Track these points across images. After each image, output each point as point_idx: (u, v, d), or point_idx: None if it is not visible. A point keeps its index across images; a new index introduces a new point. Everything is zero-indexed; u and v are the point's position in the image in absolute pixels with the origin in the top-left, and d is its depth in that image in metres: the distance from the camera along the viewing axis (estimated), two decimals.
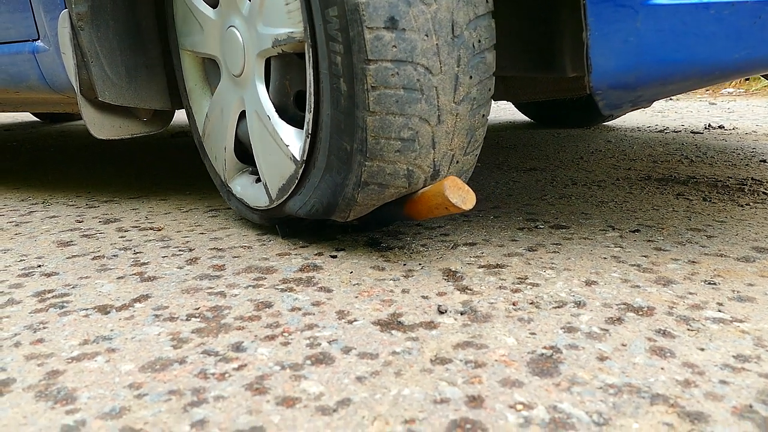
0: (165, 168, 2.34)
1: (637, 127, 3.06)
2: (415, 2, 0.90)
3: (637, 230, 1.28)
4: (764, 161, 2.10)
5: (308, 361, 0.77)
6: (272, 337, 0.84)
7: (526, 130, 3.07)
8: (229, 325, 0.88)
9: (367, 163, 0.99)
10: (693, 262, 1.09)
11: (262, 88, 1.19)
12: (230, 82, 1.29)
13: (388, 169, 1.00)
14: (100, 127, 1.50)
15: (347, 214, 1.09)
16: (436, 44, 0.93)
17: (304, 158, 1.10)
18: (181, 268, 1.15)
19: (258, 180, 1.32)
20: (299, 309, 0.93)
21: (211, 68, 1.45)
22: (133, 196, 1.82)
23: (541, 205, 1.53)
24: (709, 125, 3.03)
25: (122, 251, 1.26)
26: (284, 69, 1.17)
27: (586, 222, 1.36)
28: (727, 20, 0.98)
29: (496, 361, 0.76)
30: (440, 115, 0.98)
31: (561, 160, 2.20)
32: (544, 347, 0.79)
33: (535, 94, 2.08)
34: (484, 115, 1.04)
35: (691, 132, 2.84)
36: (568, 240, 1.23)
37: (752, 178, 1.83)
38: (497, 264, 1.10)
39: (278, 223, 1.29)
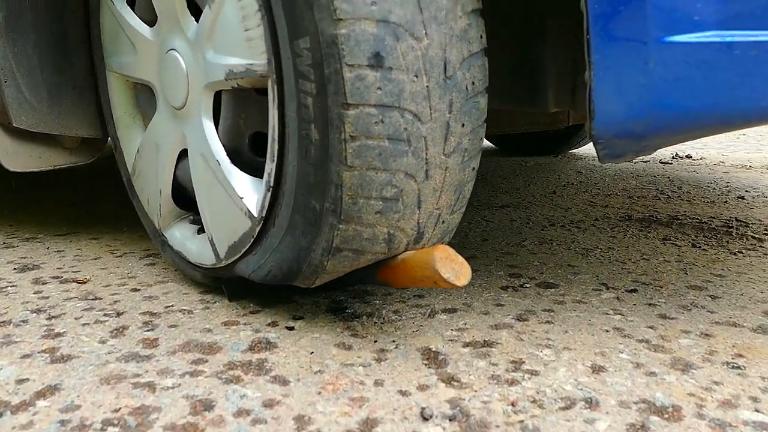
0: (102, 194, 2.11)
1: None
2: (404, 36, 0.74)
3: (634, 290, 1.14)
4: (742, 198, 2.01)
5: None
6: None
7: (491, 158, 2.94)
8: None
9: (341, 226, 0.82)
10: (706, 335, 0.95)
11: (209, 127, 1.01)
12: (169, 115, 1.10)
13: (365, 233, 0.83)
14: (15, 157, 1.28)
15: (312, 282, 0.92)
16: (427, 86, 0.77)
17: (263, 215, 0.91)
18: (104, 342, 0.94)
19: (201, 230, 1.13)
20: (247, 413, 0.75)
21: (144, 95, 1.25)
22: (61, 233, 1.60)
23: (521, 253, 1.38)
24: (677, 154, 2.96)
25: (34, 314, 1.05)
26: (239, 106, 0.99)
27: (575, 279, 1.21)
28: (755, 62, 0.85)
29: None
30: (428, 169, 0.82)
31: (533, 194, 2.06)
32: None
33: (511, 126, 1.95)
34: (474, 168, 0.89)
35: (660, 162, 2.76)
36: (560, 305, 1.07)
37: (736, 219, 1.72)
38: (485, 341, 0.93)
39: (225, 283, 1.10)
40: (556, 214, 1.78)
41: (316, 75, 0.77)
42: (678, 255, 1.37)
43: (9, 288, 1.19)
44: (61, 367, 0.86)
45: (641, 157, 2.94)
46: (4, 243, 1.52)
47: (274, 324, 1.00)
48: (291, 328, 0.98)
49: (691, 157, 2.90)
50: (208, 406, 0.76)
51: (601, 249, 1.42)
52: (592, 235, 1.55)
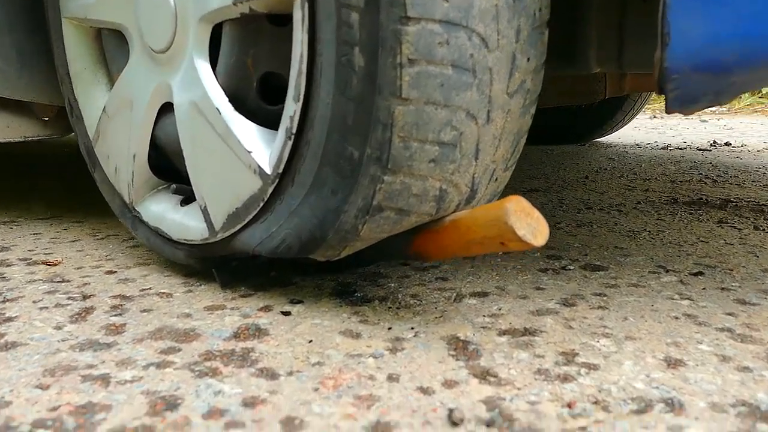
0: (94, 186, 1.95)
1: (636, 144, 2.77)
2: None
3: (700, 273, 0.95)
4: None
5: None
6: None
7: None
8: None
9: (386, 177, 0.66)
10: None
11: (205, 69, 0.83)
12: (146, 63, 0.92)
13: (414, 187, 0.67)
14: None
15: (336, 252, 0.75)
16: (496, 5, 0.63)
17: (279, 171, 0.74)
18: (59, 328, 0.78)
19: (185, 202, 0.95)
20: (221, 414, 0.57)
21: (112, 43, 1.05)
22: (43, 217, 1.44)
23: (558, 235, 1.20)
24: (715, 142, 2.75)
25: None
26: (246, 40, 0.80)
27: (625, 261, 1.02)
28: None
29: None
30: (490, 110, 0.68)
31: (564, 179, 1.87)
32: None
33: (541, 99, 1.75)
34: (532, 116, 0.74)
35: (697, 149, 2.56)
36: (612, 288, 0.89)
37: None
38: (525, 328, 0.75)
39: (216, 265, 0.91)
40: (592, 197, 1.59)
41: None
42: (740, 238, 1.18)
43: None
44: (0, 356, 0.70)
45: (678, 143, 2.74)
46: None
47: (267, 308, 0.83)
48: (287, 313, 0.81)
49: (730, 144, 2.69)
50: (171, 404, 0.59)
51: (649, 231, 1.23)
52: (636, 218, 1.36)
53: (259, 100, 0.83)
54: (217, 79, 0.83)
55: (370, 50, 0.63)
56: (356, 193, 0.68)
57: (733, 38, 0.65)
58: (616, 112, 2.39)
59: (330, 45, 0.66)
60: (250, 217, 0.80)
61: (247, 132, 0.79)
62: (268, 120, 0.79)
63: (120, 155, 0.99)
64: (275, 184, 0.76)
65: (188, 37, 0.83)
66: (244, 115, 0.80)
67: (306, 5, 0.68)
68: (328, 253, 0.75)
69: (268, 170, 0.76)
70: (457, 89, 0.65)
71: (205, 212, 0.87)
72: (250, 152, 0.77)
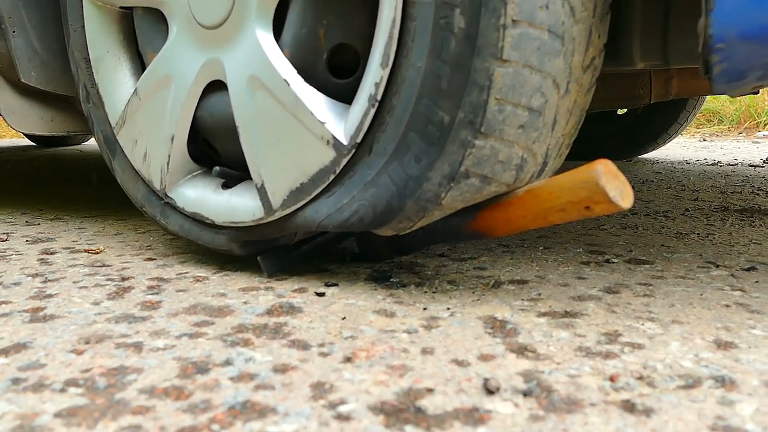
0: None
1: (685, 160, 2.69)
2: None
3: (753, 268, 0.91)
4: None
5: None
6: None
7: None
8: (125, 405, 0.51)
9: (477, 142, 0.67)
10: None
11: (268, 41, 0.81)
12: (191, 40, 0.90)
13: (501, 153, 0.68)
14: (22, 117, 1.15)
15: (411, 224, 0.74)
16: None
17: (357, 140, 0.74)
18: (97, 304, 0.78)
19: (225, 185, 0.94)
20: (251, 378, 0.56)
21: (146, 24, 1.00)
22: (88, 215, 1.47)
23: (602, 235, 1.16)
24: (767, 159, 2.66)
25: (30, 278, 0.90)
26: (319, 9, 0.79)
27: (672, 257, 0.99)
28: None
29: None
30: (569, 82, 0.69)
31: None
32: None
33: None
34: (588, 95, 0.75)
35: (749, 165, 2.47)
36: (659, 279, 0.85)
37: None
38: (566, 311, 0.73)
39: (261, 252, 0.89)
40: (638, 205, 1.55)
41: None
42: None
43: (14, 255, 1.06)
44: (38, 327, 0.70)
45: (728, 160, 2.65)
46: (26, 222, 1.40)
47: (301, 290, 0.82)
48: (321, 294, 0.80)
49: None
50: (202, 368, 0.58)
51: (698, 234, 1.19)
52: (684, 222, 1.31)
53: (327, 72, 0.81)
54: (282, 51, 0.81)
55: (471, 11, 0.64)
56: (442, 160, 0.69)
57: None
58: (672, 123, 2.33)
59: (427, 7, 0.67)
60: (318, 191, 0.79)
61: (318, 104, 0.77)
62: (334, 92, 0.79)
63: (153, 139, 0.97)
64: (351, 154, 0.75)
65: (250, 9, 0.82)
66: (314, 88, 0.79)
67: None
68: (401, 225, 0.74)
69: (344, 141, 0.75)
70: (550, 55, 0.66)
71: (261, 191, 0.85)
72: (323, 123, 0.76)
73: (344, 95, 0.78)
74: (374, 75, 0.72)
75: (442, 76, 0.67)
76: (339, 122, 0.76)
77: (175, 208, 0.97)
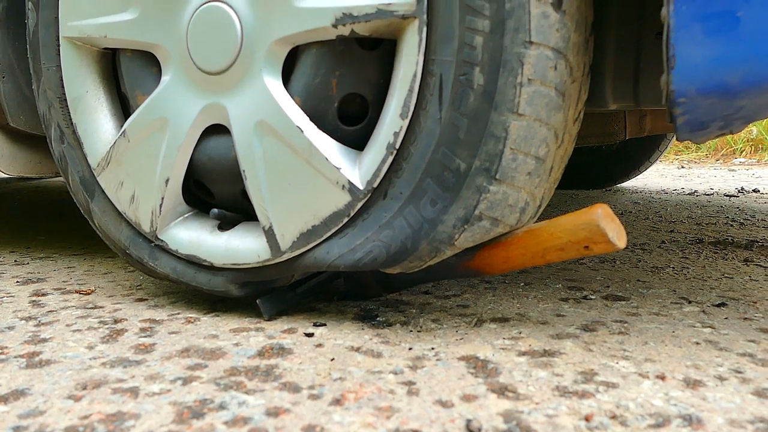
0: None
1: (663, 190, 2.76)
2: None
3: (723, 304, 0.95)
4: None
5: None
6: None
7: None
8: None
9: (491, 188, 0.73)
10: None
11: (278, 89, 0.84)
12: (190, 84, 0.91)
13: (511, 198, 0.75)
14: (11, 160, 1.17)
15: (422, 263, 0.79)
16: (579, 40, 0.74)
17: (374, 185, 0.78)
18: (91, 348, 0.80)
19: (223, 227, 0.95)
20: (245, 422, 0.59)
21: (135, 66, 1.00)
22: (76, 253, 1.49)
23: (580, 270, 1.21)
24: (743, 189, 2.73)
25: (23, 321, 0.92)
26: (332, 62, 0.82)
27: (648, 293, 1.03)
28: None
29: None
30: (564, 134, 0.77)
31: None
32: None
33: None
34: (573, 144, 0.83)
35: (725, 195, 2.54)
36: (634, 316, 0.89)
37: None
38: (545, 350, 0.76)
39: (260, 292, 0.91)
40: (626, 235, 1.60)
41: (492, 9, 0.70)
42: (766, 275, 1.17)
43: (5, 298, 1.07)
44: (35, 372, 0.72)
45: (705, 190, 2.73)
46: (15, 261, 1.41)
47: (290, 330, 0.85)
48: (310, 335, 0.83)
49: (758, 191, 2.67)
50: (197, 413, 0.61)
51: (673, 267, 1.23)
52: (660, 255, 1.36)
53: (337, 119, 0.85)
54: (292, 98, 0.84)
55: (490, 70, 0.71)
56: (458, 203, 0.75)
57: (737, 60, 0.67)
58: (653, 152, 2.41)
59: (448, 66, 0.73)
60: (330, 232, 0.82)
61: (332, 150, 0.81)
62: (342, 139, 0.83)
63: (144, 181, 0.97)
64: (366, 198, 0.79)
65: (257, 57, 0.84)
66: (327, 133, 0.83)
67: (424, 29, 0.74)
68: (412, 264, 0.79)
69: (360, 185, 0.79)
70: (555, 110, 0.74)
71: (269, 233, 0.86)
72: (339, 169, 0.80)
73: (351, 142, 0.83)
74: (392, 124, 0.77)
75: (461, 127, 0.73)
76: (353, 168, 0.80)
77: (166, 250, 0.97)
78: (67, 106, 1.04)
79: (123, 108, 1.05)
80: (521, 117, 0.72)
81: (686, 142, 4.32)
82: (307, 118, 0.82)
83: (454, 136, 0.74)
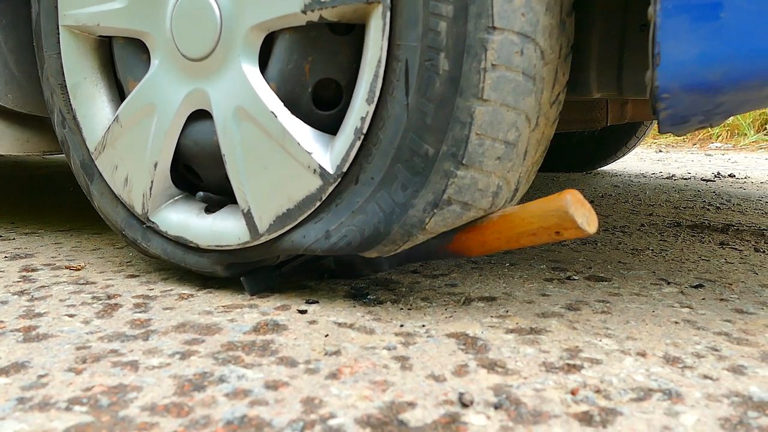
0: None
1: (641, 174, 2.81)
2: None
3: (700, 285, 0.99)
4: None
5: None
6: None
7: None
8: (129, 422, 0.56)
9: (459, 172, 0.74)
10: None
11: (255, 75, 0.85)
12: (175, 70, 0.94)
13: (480, 182, 0.75)
14: None
15: (396, 247, 0.80)
16: (551, 23, 0.74)
17: (344, 170, 0.79)
18: (87, 322, 0.82)
19: (209, 209, 0.98)
20: (245, 394, 0.61)
21: (127, 53, 1.02)
22: (62, 229, 1.49)
23: (563, 251, 1.24)
24: (719, 173, 2.79)
25: (16, 296, 0.93)
26: (305, 48, 0.83)
27: (629, 274, 1.06)
28: None
29: None
30: (539, 116, 0.77)
31: None
32: None
33: None
34: (554, 126, 0.83)
35: (701, 179, 2.60)
36: (615, 296, 0.93)
37: None
38: (531, 328, 0.79)
39: (245, 272, 0.94)
40: (598, 220, 1.63)
41: None
42: (741, 258, 1.22)
43: None
44: (33, 346, 0.74)
45: (682, 174, 2.78)
46: (0, 237, 1.41)
47: (284, 308, 0.87)
48: (303, 312, 0.85)
49: (734, 176, 2.73)
50: (198, 386, 0.63)
51: (652, 250, 1.27)
52: (640, 238, 1.40)
53: (311, 104, 0.86)
54: (268, 84, 0.86)
55: (456, 56, 0.71)
56: (427, 188, 0.75)
57: (719, 59, 0.69)
58: (631, 137, 2.46)
59: (412, 51, 0.74)
60: (304, 216, 0.83)
61: (305, 134, 0.82)
62: (318, 124, 0.84)
63: (135, 165, 0.99)
64: (337, 182, 0.80)
65: (235, 44, 0.86)
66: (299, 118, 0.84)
67: (388, 15, 0.74)
68: (386, 248, 0.80)
69: (330, 170, 0.80)
70: (523, 94, 0.74)
71: (248, 215, 0.88)
72: (310, 153, 0.81)
73: (327, 126, 0.83)
74: (360, 110, 0.77)
75: (428, 113, 0.74)
76: (324, 152, 0.81)
77: (157, 231, 1.00)
78: (68, 92, 1.06)
79: (120, 94, 1.07)
80: (486, 102, 0.72)
81: None
82: (281, 103, 0.84)
83: (421, 122, 0.74)
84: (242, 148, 0.87)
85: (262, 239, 0.87)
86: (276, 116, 0.82)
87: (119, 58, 1.04)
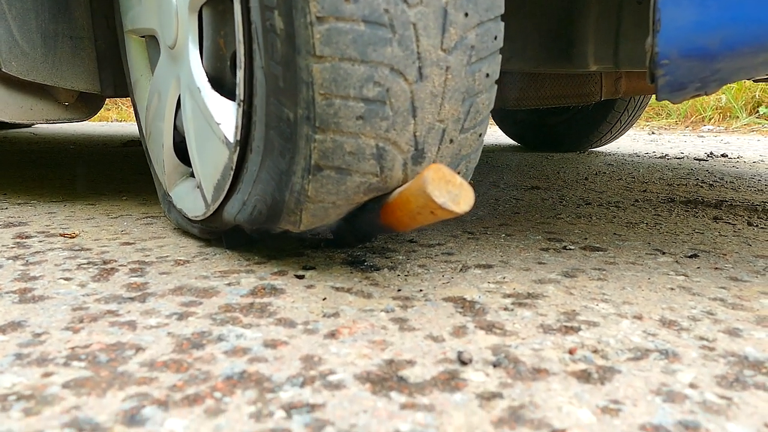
0: (107, 175, 2.00)
1: (635, 153, 2.82)
2: None
3: (695, 255, 0.99)
4: None
5: None
6: (194, 401, 0.51)
7: (515, 153, 2.80)
8: (129, 376, 0.56)
9: (317, 136, 0.67)
10: None
11: (194, 54, 0.90)
12: (167, 59, 1.01)
13: (347, 145, 0.67)
14: (2, 106, 1.16)
15: (298, 218, 0.75)
16: None
17: (238, 138, 0.78)
18: (83, 286, 0.81)
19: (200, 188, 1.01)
20: (244, 352, 0.61)
21: (154, 51, 1.15)
22: (55, 200, 1.48)
23: (558, 224, 1.24)
24: (712, 153, 2.80)
25: (10, 261, 0.92)
26: (218, 22, 0.87)
27: (624, 245, 1.07)
28: None
29: None
30: (422, 67, 0.66)
31: (564, 180, 1.92)
32: (644, 428, 0.48)
33: (535, 99, 1.80)
34: (488, 75, 0.72)
35: (694, 159, 2.61)
36: (611, 265, 0.93)
37: None
38: (528, 293, 0.79)
39: (224, 233, 0.97)
40: (591, 195, 1.64)
41: None
42: (734, 231, 1.22)
43: None
44: (29, 306, 0.73)
45: (675, 154, 2.79)
46: None
47: (281, 273, 0.86)
48: (301, 277, 0.84)
49: (726, 155, 2.74)
50: (197, 344, 0.63)
51: (646, 223, 1.27)
52: (634, 212, 1.40)
53: (232, 76, 0.88)
54: (202, 63, 0.90)
55: (286, 12, 0.66)
56: (298, 154, 0.70)
57: (717, 25, 0.69)
58: (608, 114, 2.46)
59: (257, 11, 0.70)
60: (227, 187, 0.84)
61: (219, 105, 0.84)
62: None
63: (156, 146, 1.08)
64: (237, 151, 0.79)
65: (185, 27, 0.90)
66: (225, 93, 0.86)
67: None
68: (291, 218, 0.75)
69: (230, 138, 0.81)
70: (373, 44, 0.64)
71: (200, 187, 0.93)
72: (219, 124, 0.83)
73: None
74: (238, 76, 0.77)
75: (279, 76, 0.69)
76: (231, 124, 0.82)
77: (172, 204, 1.08)
78: (133, 88, 1.21)
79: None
80: (322, 59, 0.64)
81: (657, 108, 4.35)
82: (206, 78, 0.87)
83: (276, 86, 0.69)
84: (192, 125, 0.92)
85: (211, 209, 0.91)
86: (200, 91, 0.86)
87: (150, 54, 1.19)
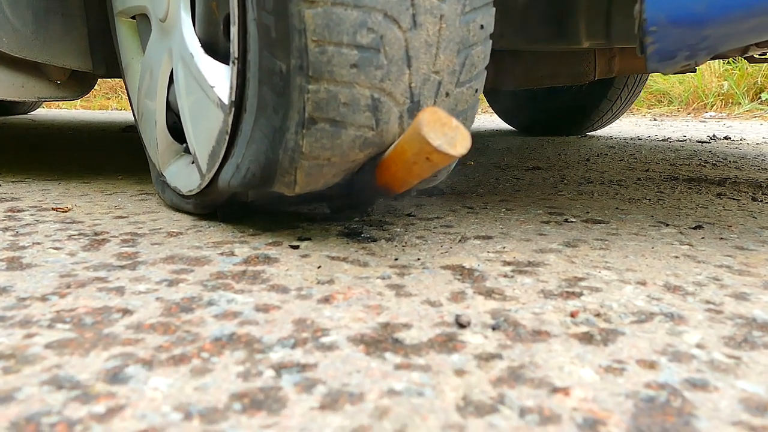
0: (104, 157, 1.97)
1: (637, 137, 2.79)
2: None
3: (699, 227, 0.97)
4: None
5: (237, 405, 0.43)
6: (180, 361, 0.49)
7: (515, 137, 2.77)
8: (114, 338, 0.54)
9: (310, 86, 0.65)
10: None
11: (187, 22, 0.88)
12: (158, 34, 0.99)
13: (342, 95, 0.65)
14: None
15: (293, 178, 0.72)
16: None
17: (233, 98, 0.76)
18: (73, 255, 0.79)
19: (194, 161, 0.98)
20: (234, 316, 0.59)
21: (145, 31, 1.12)
22: (50, 178, 1.46)
23: (560, 200, 1.22)
24: (714, 136, 2.77)
25: (0, 232, 0.90)
26: None
27: (626, 218, 1.04)
28: None
29: (574, 410, 0.43)
30: (415, 14, 0.64)
31: (565, 161, 1.89)
32: (649, 386, 0.46)
33: (529, 80, 1.76)
34: (482, 27, 0.70)
35: (697, 141, 2.58)
36: (614, 236, 0.91)
37: None
38: (529, 261, 0.77)
39: (218, 206, 0.95)
40: (593, 175, 1.61)
41: None
42: (739, 206, 1.20)
43: None
44: (16, 274, 0.71)
45: (678, 137, 2.76)
46: None
47: (275, 243, 0.84)
48: (296, 247, 0.82)
49: (729, 138, 2.72)
50: (186, 308, 0.61)
51: (649, 199, 1.25)
52: (637, 190, 1.38)
53: (225, 40, 0.85)
54: (195, 30, 0.88)
55: None
56: (292, 108, 0.67)
57: None
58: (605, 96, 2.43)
59: None
60: (223, 153, 0.82)
61: (213, 70, 0.82)
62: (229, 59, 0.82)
63: (149, 125, 1.06)
64: (232, 113, 0.77)
65: None
66: (218, 58, 0.84)
67: None
68: (285, 179, 0.73)
69: (225, 100, 0.79)
70: None
71: (195, 159, 0.91)
72: (213, 87, 0.81)
73: None
74: (231, 32, 0.75)
75: (270, 26, 0.67)
76: (225, 85, 0.80)
77: (166, 183, 1.05)
78: (124, 71, 1.19)
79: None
80: (314, 4, 0.62)
81: (659, 95, 4.29)
82: (199, 44, 0.86)
83: (268, 37, 0.67)
84: (185, 94, 0.89)
85: (206, 179, 0.88)
86: (193, 57, 0.84)
87: (141, 33, 1.17)
